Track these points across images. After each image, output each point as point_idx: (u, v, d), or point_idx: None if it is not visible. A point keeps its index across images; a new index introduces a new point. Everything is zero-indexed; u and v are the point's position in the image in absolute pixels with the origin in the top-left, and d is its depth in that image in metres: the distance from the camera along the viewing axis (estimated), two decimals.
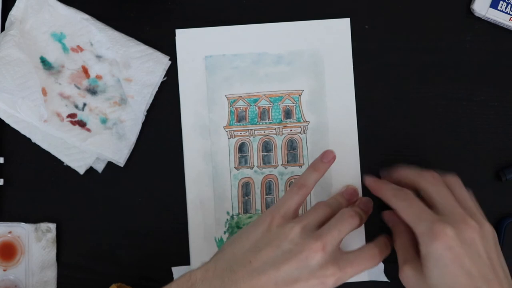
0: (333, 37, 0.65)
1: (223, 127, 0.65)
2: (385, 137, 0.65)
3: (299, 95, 0.65)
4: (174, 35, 0.65)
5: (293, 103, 0.65)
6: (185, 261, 0.64)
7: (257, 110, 0.65)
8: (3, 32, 0.63)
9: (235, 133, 0.65)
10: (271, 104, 0.65)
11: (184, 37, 0.65)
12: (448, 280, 0.54)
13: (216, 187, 0.65)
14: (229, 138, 0.65)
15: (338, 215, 0.58)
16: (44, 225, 0.64)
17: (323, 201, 0.60)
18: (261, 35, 0.65)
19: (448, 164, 0.65)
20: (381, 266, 0.64)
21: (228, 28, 0.65)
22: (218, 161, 0.65)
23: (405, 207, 0.57)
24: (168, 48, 0.65)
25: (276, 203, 0.59)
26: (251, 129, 0.65)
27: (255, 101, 0.65)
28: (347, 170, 0.65)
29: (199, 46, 0.65)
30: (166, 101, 0.65)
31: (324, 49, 0.65)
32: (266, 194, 0.65)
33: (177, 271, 0.64)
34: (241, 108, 0.65)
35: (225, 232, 0.64)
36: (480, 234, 0.55)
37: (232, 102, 0.65)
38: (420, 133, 0.65)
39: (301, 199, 0.58)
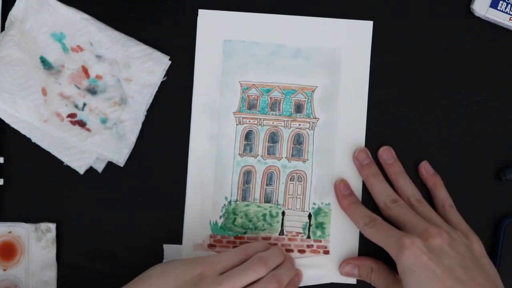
0: (353, 38, 0.65)
1: (233, 112, 0.65)
2: (385, 138, 0.65)
3: (312, 91, 0.65)
4: (176, 31, 0.65)
5: (305, 98, 0.65)
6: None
7: (269, 100, 0.65)
8: (3, 32, 0.63)
9: (244, 120, 0.65)
10: (284, 96, 0.65)
11: (206, 18, 0.65)
12: None
13: (217, 171, 0.65)
14: (237, 124, 0.65)
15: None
16: (44, 225, 0.64)
17: (262, 262, 0.59)
18: (283, 26, 0.65)
19: (448, 164, 0.65)
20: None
21: (250, 15, 0.65)
22: (223, 146, 0.65)
23: (374, 231, 0.61)
24: (168, 48, 0.65)
25: (217, 256, 0.59)
26: (260, 118, 0.65)
27: (268, 91, 0.65)
28: (351, 171, 0.65)
29: (220, 29, 0.65)
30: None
31: (343, 48, 0.65)
32: (266, 185, 0.65)
33: (168, 248, 0.64)
34: (253, 96, 0.65)
35: (220, 217, 0.65)
36: (448, 240, 0.57)
37: (245, 89, 0.65)
38: (420, 133, 0.65)
39: (240, 263, 0.59)
